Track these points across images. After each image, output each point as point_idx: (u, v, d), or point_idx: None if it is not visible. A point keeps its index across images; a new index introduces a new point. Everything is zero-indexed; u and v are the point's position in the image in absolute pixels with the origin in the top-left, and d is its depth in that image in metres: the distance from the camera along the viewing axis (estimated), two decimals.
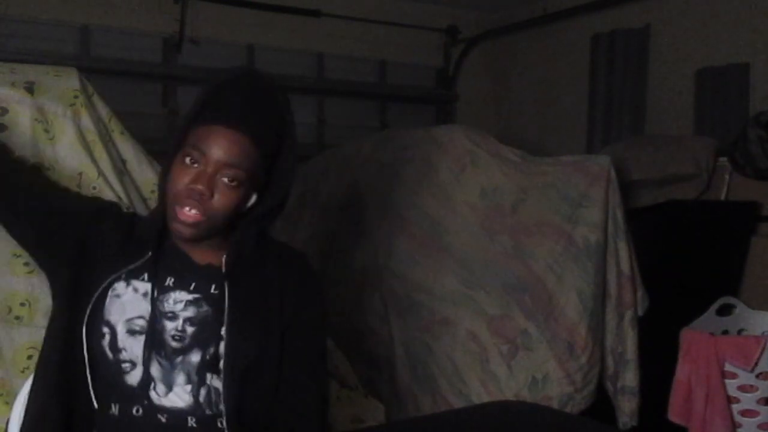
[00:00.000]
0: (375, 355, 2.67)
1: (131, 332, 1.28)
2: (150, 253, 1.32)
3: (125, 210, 1.51)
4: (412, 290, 2.65)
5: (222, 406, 1.28)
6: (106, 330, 1.28)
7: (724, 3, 3.48)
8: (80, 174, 1.72)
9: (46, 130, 1.70)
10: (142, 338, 1.28)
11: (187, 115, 1.34)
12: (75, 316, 1.29)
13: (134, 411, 1.27)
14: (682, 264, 2.78)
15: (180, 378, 1.29)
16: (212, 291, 1.33)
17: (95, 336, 1.28)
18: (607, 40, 3.96)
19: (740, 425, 2.30)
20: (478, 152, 2.77)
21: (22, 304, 1.62)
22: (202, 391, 1.29)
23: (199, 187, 1.26)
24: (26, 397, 1.37)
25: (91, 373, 1.28)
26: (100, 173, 1.74)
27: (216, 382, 1.30)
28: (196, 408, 1.28)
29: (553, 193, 2.55)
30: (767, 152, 2.81)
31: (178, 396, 1.28)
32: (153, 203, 1.85)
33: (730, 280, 2.89)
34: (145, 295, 1.30)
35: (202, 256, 1.36)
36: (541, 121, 4.46)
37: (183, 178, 1.28)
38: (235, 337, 1.31)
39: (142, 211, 1.79)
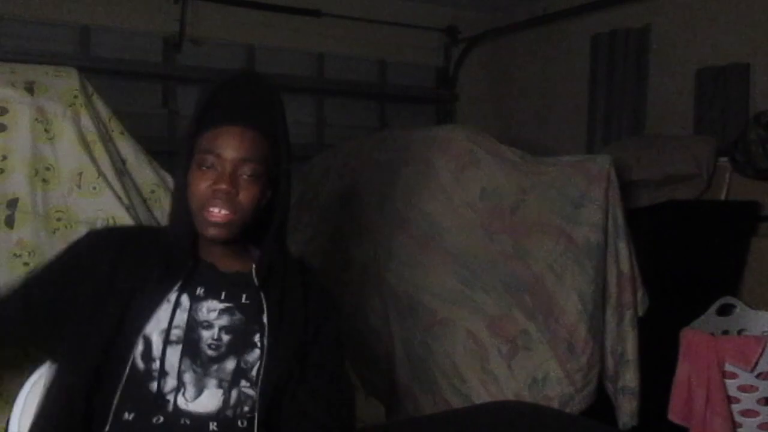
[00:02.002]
0: (375, 355, 2.67)
1: (168, 342, 1.28)
2: (184, 275, 1.32)
3: (142, 227, 1.52)
4: (412, 290, 2.65)
5: (246, 408, 1.30)
6: (140, 341, 1.28)
7: (724, 3, 3.47)
8: (80, 174, 1.72)
9: (46, 130, 1.71)
10: (178, 347, 1.28)
11: (190, 123, 1.35)
12: (105, 332, 1.27)
13: (155, 420, 1.26)
14: (682, 264, 2.78)
15: (212, 383, 1.29)
16: (243, 300, 1.34)
17: (128, 348, 1.27)
18: (607, 40, 3.95)
19: (740, 425, 2.30)
20: (478, 152, 2.77)
21: None
22: (233, 395, 1.30)
23: (223, 186, 1.29)
24: (26, 398, 1.36)
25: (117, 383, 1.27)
26: (100, 173, 1.74)
27: (247, 389, 1.31)
28: (220, 412, 1.29)
29: (553, 193, 2.54)
30: (767, 152, 2.81)
31: (207, 400, 1.28)
32: (152, 203, 1.85)
33: (730, 280, 2.89)
34: (178, 305, 1.30)
35: (227, 264, 1.38)
36: (541, 121, 4.45)
37: (204, 183, 1.30)
38: (273, 347, 1.32)
39: (142, 211, 1.79)
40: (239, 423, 1.29)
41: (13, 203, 1.67)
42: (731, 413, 2.29)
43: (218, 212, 1.29)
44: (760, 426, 2.28)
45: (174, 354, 1.28)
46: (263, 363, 1.31)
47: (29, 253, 1.65)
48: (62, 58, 3.11)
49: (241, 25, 3.93)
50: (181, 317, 1.30)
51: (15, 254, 1.63)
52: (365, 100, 4.50)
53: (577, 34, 4.17)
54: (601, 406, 2.45)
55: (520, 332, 2.43)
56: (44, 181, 1.70)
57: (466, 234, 2.66)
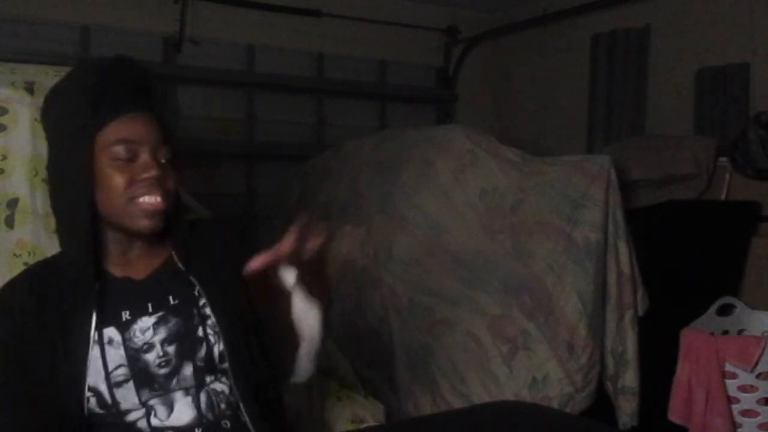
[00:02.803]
0: (375, 355, 2.67)
1: (117, 385, 1.21)
2: (95, 301, 1.22)
3: (38, 265, 1.36)
4: (412, 290, 2.65)
5: (223, 406, 1.26)
6: (89, 394, 1.21)
7: (724, 3, 3.48)
8: None
9: None
10: (129, 385, 1.22)
11: (76, 123, 1.23)
12: (42, 391, 1.19)
13: None
14: (682, 264, 2.78)
15: (179, 395, 1.25)
16: (172, 302, 1.28)
17: (79, 402, 1.20)
18: (607, 40, 3.96)
19: (740, 425, 2.30)
20: (478, 152, 2.77)
21: None
22: (202, 398, 1.26)
23: (154, 172, 1.22)
24: None
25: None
26: None
27: (215, 384, 1.28)
28: (200, 418, 1.24)
29: (553, 193, 2.54)
30: (767, 152, 2.81)
31: (180, 413, 1.24)
32: None
33: (730, 280, 2.89)
34: (110, 342, 1.22)
35: (143, 266, 1.31)
36: (541, 121, 4.45)
37: (125, 176, 1.22)
38: (226, 325, 1.28)
39: None
40: (223, 424, 1.26)
41: (13, 203, 1.67)
42: (731, 413, 2.29)
43: (153, 200, 1.22)
44: (760, 426, 2.28)
45: (128, 392, 1.22)
46: (225, 346, 1.26)
47: (29, 253, 1.65)
48: (62, 58, 3.11)
49: (241, 25, 3.93)
50: (118, 354, 1.22)
51: (15, 254, 1.63)
52: (365, 100, 4.50)
53: (577, 34, 4.17)
54: (601, 406, 2.45)
55: (520, 332, 2.43)
56: (44, 181, 1.70)
57: (466, 234, 2.66)
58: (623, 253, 2.47)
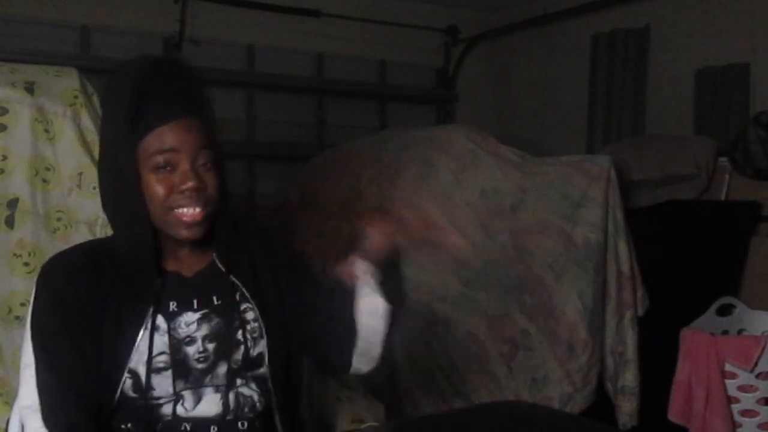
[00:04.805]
0: None
1: (156, 371, 1.24)
2: (154, 294, 1.26)
3: (91, 245, 1.37)
4: (412, 290, 2.65)
5: (246, 409, 1.30)
6: (127, 375, 1.23)
7: (724, 3, 3.48)
8: (80, 174, 1.72)
9: (46, 130, 1.71)
10: (168, 373, 1.25)
11: (118, 126, 1.24)
12: (91, 371, 1.22)
13: (155, 427, 1.25)
14: (682, 264, 2.78)
15: (209, 390, 1.28)
16: (216, 302, 1.31)
17: (115, 382, 1.23)
18: (607, 40, 3.96)
19: (740, 425, 2.30)
20: (478, 152, 2.77)
21: (22, 304, 1.62)
22: (231, 397, 1.29)
23: (191, 183, 1.23)
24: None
25: (105, 410, 1.23)
26: None
27: (243, 388, 1.31)
28: (223, 415, 1.28)
29: (553, 193, 2.54)
30: (767, 152, 2.81)
31: (206, 406, 1.28)
32: None
33: (730, 280, 2.89)
34: (156, 329, 1.25)
35: (191, 266, 1.34)
36: (541, 121, 4.46)
37: (166, 186, 1.23)
38: (270, 329, 1.34)
39: None
40: (239, 425, 1.30)
41: (13, 203, 1.67)
42: (731, 413, 2.29)
43: (191, 211, 1.24)
44: (760, 426, 2.28)
45: (165, 380, 1.25)
46: (268, 349, 1.33)
47: (29, 253, 1.65)
48: (62, 58, 3.11)
49: (241, 25, 3.93)
50: (162, 341, 1.25)
51: (15, 254, 1.63)
52: (365, 100, 4.50)
53: (577, 34, 4.17)
54: (601, 406, 2.45)
55: (520, 332, 2.43)
56: (44, 181, 1.70)
57: (466, 234, 2.66)
58: (623, 253, 2.47)
